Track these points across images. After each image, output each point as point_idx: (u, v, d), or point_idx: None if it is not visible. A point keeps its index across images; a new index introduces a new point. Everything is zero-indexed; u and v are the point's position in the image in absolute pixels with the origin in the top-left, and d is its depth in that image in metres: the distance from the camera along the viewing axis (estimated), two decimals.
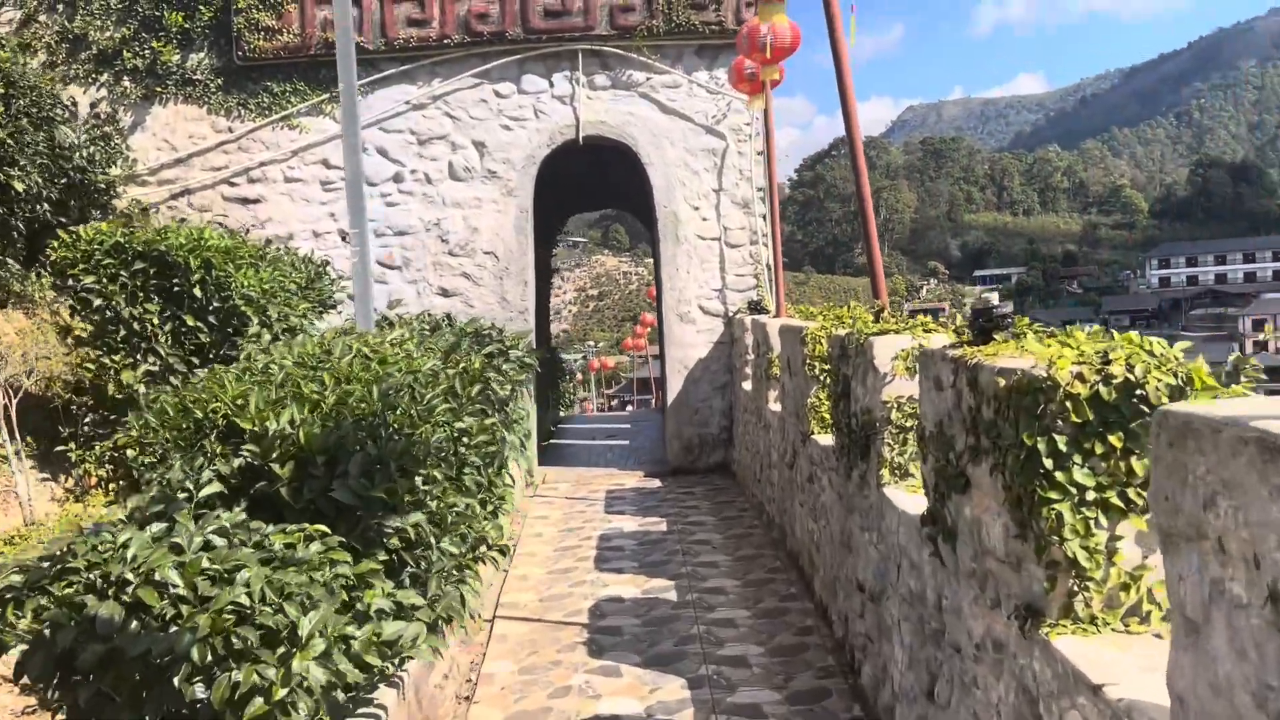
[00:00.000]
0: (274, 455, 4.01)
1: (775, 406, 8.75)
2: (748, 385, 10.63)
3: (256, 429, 4.12)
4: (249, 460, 4.03)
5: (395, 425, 4.40)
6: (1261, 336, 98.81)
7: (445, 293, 11.51)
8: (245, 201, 11.46)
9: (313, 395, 4.56)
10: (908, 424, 5.11)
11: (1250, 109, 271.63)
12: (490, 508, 5.86)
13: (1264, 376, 2.96)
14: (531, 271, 11.66)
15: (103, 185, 10.26)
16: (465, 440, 5.05)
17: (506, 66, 11.48)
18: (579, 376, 44.07)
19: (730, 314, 11.68)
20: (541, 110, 11.53)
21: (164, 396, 4.48)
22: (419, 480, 4.37)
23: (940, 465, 3.90)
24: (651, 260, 16.29)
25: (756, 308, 11.10)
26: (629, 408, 39.67)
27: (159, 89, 11.30)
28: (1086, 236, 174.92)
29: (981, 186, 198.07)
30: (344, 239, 10.76)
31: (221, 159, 11.43)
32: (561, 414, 19.84)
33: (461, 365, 6.16)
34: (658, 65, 11.51)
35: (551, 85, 11.54)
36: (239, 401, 4.34)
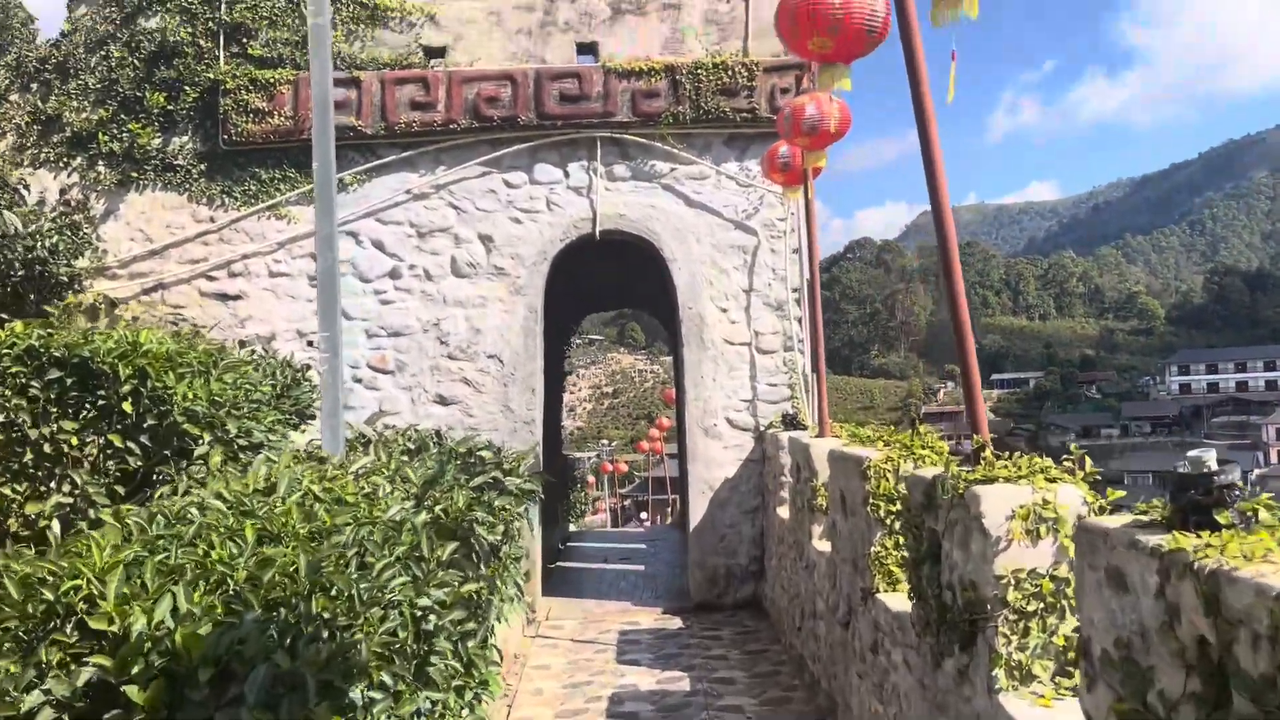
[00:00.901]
0: (135, 670, 2.72)
1: (822, 546, 7.39)
2: (784, 512, 9.28)
3: (115, 629, 2.83)
4: (98, 675, 2.73)
5: (325, 615, 3.11)
6: None
7: (443, 400, 10.29)
8: (224, 297, 10.37)
9: (219, 566, 3.29)
10: (1030, 607, 3.79)
11: (1263, 218, 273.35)
12: (470, 695, 4.51)
13: None
14: (540, 377, 10.46)
15: (65, 278, 9.21)
16: (434, 618, 3.76)
17: (518, 154, 10.49)
18: (591, 480, 42.59)
19: (762, 428, 10.40)
20: (555, 202, 10.49)
21: (4, 567, 3.21)
22: (356, 694, 3.07)
23: (1131, 711, 2.57)
24: (669, 358, 15.07)
25: (792, 422, 9.83)
26: (644, 515, 38.04)
27: (136, 174, 10.33)
28: (1104, 341, 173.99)
29: (997, 291, 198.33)
30: (310, 344, 9.62)
31: (200, 250, 10.39)
32: (572, 527, 18.42)
33: (440, 507, 4.88)
34: (683, 155, 10.50)
35: (567, 175, 10.53)
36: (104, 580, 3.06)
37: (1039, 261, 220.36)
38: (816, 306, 8.36)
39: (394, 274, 10.42)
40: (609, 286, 16.00)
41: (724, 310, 10.46)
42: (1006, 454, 4.36)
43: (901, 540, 5.53)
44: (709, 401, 10.39)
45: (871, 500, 5.67)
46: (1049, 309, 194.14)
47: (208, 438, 6.62)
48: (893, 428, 6.67)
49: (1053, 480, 3.95)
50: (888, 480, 5.64)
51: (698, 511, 10.36)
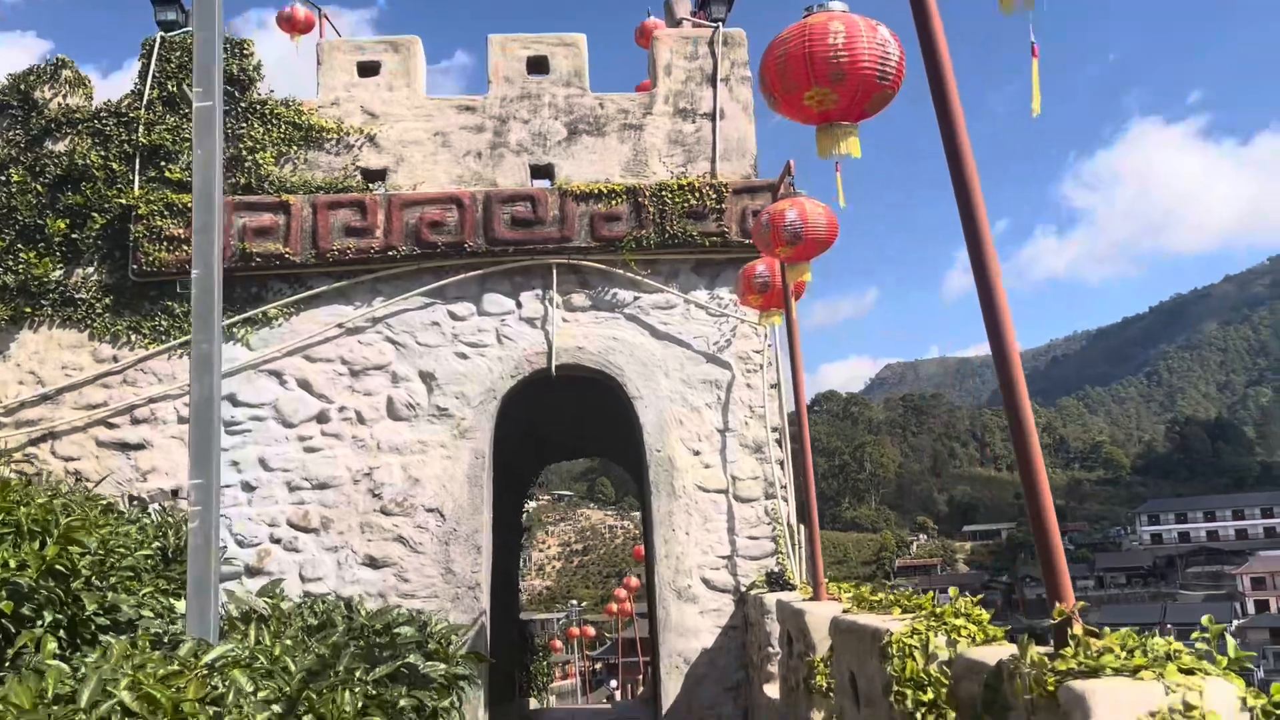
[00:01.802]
0: None
1: None
2: (772, 691, 7.84)
3: None
4: None
5: None
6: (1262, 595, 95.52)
7: (374, 563, 8.88)
8: (125, 447, 9.03)
9: None
10: None
11: (1217, 369, 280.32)
12: None
13: None
14: (487, 533, 9.11)
15: None
16: None
17: (465, 284, 9.47)
18: (558, 645, 40.22)
19: (743, 589, 9.05)
20: (506, 335, 9.41)
21: None
22: None
23: None
24: (639, 513, 13.78)
25: (778, 581, 8.50)
26: (614, 683, 35.59)
27: (30, 309, 9.15)
28: (1072, 491, 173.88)
29: (963, 442, 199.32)
30: (174, 494, 8.29)
31: (100, 394, 9.11)
32: (534, 703, 16.55)
33: (309, 717, 3.54)
34: (648, 283, 9.53)
35: (519, 305, 9.49)
36: None
37: (1002, 413, 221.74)
38: (806, 446, 7.20)
39: (321, 417, 9.17)
40: (570, 432, 14.79)
41: (696, 453, 9.27)
42: (1094, 630, 3.14)
43: None
44: (682, 559, 9.06)
45: (896, 688, 4.36)
46: (1016, 460, 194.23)
47: (50, 617, 5.25)
48: (910, 590, 5.40)
49: (1189, 672, 2.71)
50: (915, 660, 4.35)
51: (671, 690, 8.86)
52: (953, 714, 4.26)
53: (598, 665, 61.72)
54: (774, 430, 9.31)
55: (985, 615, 4.50)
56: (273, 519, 8.91)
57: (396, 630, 5.59)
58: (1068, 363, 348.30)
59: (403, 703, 4.31)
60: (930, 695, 4.30)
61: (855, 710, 5.01)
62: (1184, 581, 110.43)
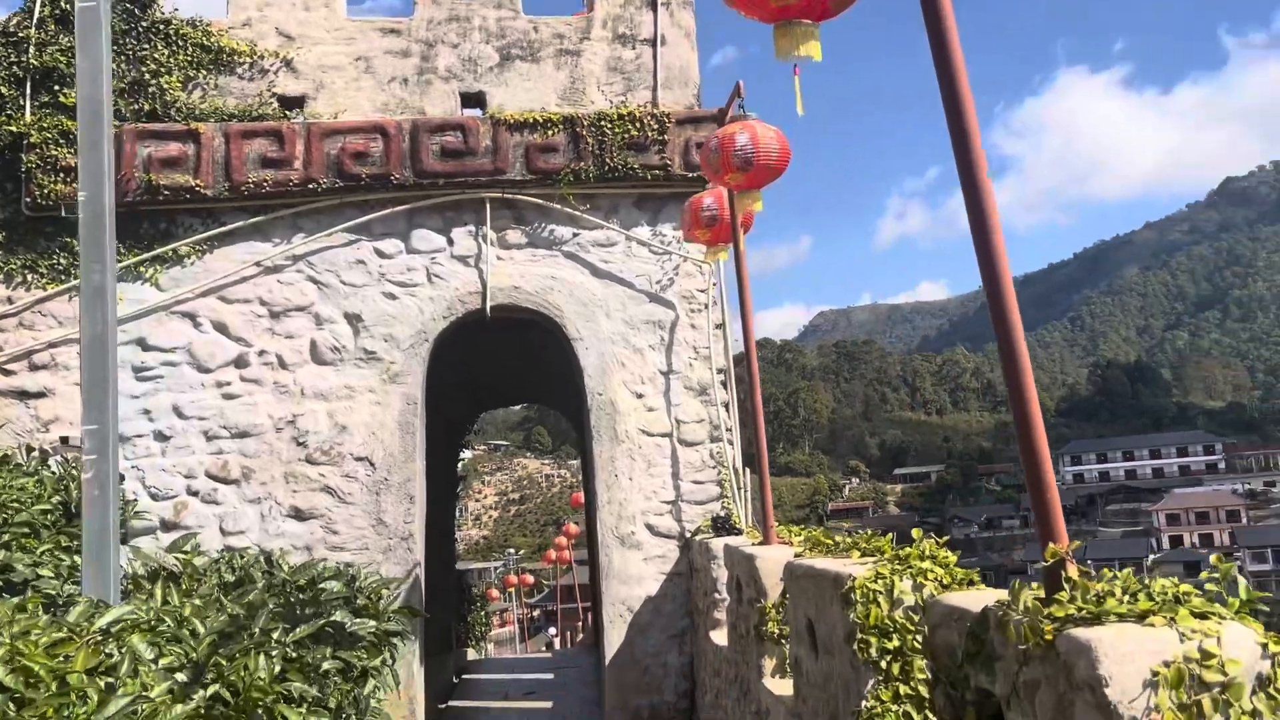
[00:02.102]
0: None
1: (777, 687, 5.75)
2: (719, 637, 7.62)
3: None
4: None
5: None
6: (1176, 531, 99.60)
7: (300, 514, 8.41)
8: (24, 395, 8.37)
9: None
10: None
11: (1137, 314, 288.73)
12: None
13: None
14: (420, 482, 8.69)
15: None
16: None
17: (392, 219, 8.91)
18: (495, 594, 40.04)
19: (688, 534, 8.79)
20: (437, 274, 8.90)
21: None
22: None
23: None
24: (577, 462, 13.46)
25: (724, 526, 8.24)
26: (552, 630, 35.56)
27: None
28: (999, 434, 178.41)
29: (894, 387, 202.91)
30: (64, 442, 7.73)
31: None
32: (471, 654, 16.28)
33: (223, 684, 3.13)
34: (587, 218, 9.08)
35: (451, 243, 8.97)
36: None
37: (933, 358, 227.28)
38: (755, 386, 6.89)
39: (240, 362, 8.61)
40: (508, 378, 14.35)
41: (639, 396, 8.92)
42: (1088, 571, 2.87)
43: (912, 693, 3.97)
44: (625, 505, 8.75)
45: (860, 636, 4.09)
46: (945, 404, 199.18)
47: None
48: (869, 531, 5.13)
49: (1203, 616, 2.44)
50: (879, 606, 4.09)
51: (614, 640, 8.60)
52: (920, 661, 4.01)
53: (536, 613, 61.80)
54: (719, 372, 9.00)
55: (952, 557, 4.25)
56: (189, 470, 8.37)
57: (322, 586, 5.17)
58: None
59: (326, 665, 3.91)
60: (896, 643, 4.06)
61: (813, 658, 4.76)
62: (1103, 519, 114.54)
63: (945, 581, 4.08)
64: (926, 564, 4.16)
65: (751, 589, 6.24)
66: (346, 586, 5.44)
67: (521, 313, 9.02)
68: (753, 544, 6.82)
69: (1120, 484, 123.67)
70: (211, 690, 3.06)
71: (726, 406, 8.98)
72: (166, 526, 8.23)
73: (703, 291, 9.11)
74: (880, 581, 4.11)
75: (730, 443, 8.88)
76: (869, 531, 5.10)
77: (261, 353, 8.62)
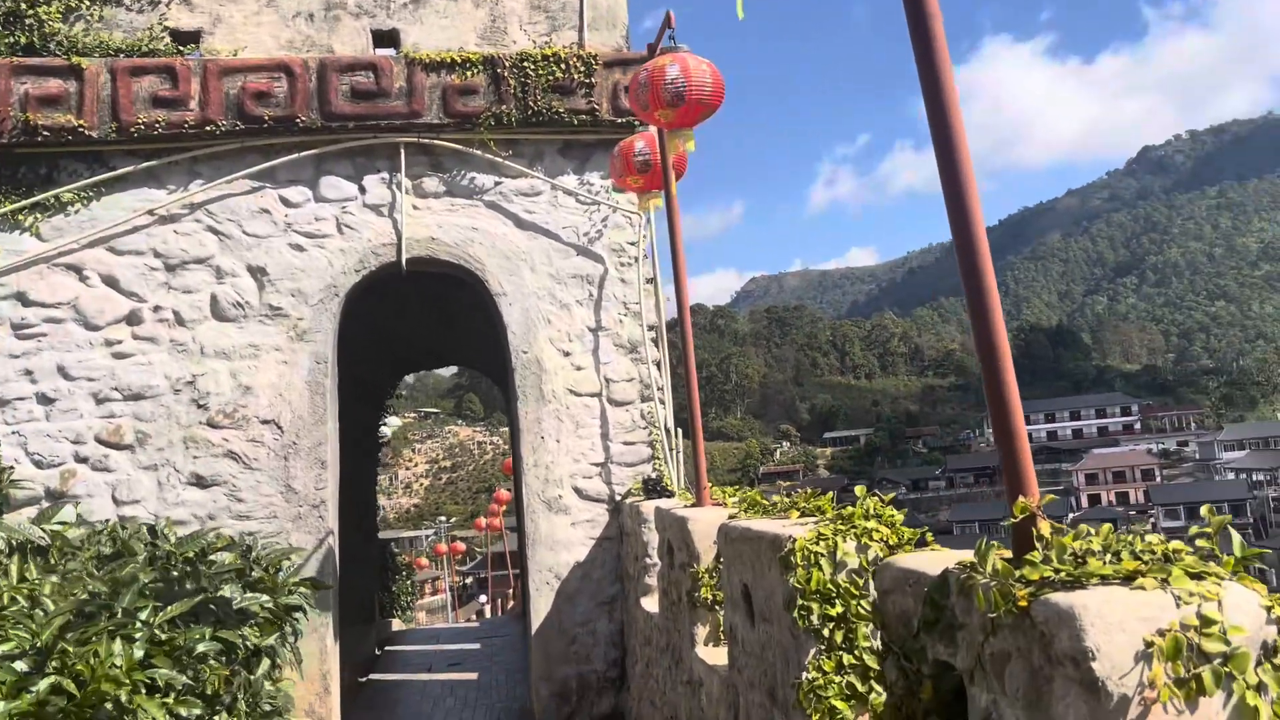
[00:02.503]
0: None
1: (711, 656, 5.42)
2: (650, 604, 7.29)
3: None
4: None
5: None
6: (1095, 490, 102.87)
7: (202, 482, 7.83)
8: None
9: None
10: None
11: (1058, 279, 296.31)
12: None
13: None
14: (333, 447, 8.16)
15: None
16: None
17: (298, 165, 8.29)
18: (425, 562, 39.52)
19: (618, 498, 8.43)
20: (348, 224, 8.32)
21: None
22: None
23: None
24: (508, 429, 13.03)
25: (655, 488, 7.89)
26: (483, 598, 35.15)
27: None
28: (926, 397, 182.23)
29: (825, 352, 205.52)
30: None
31: None
32: (397, 624, 15.80)
33: (65, 675, 2.66)
34: (510, 166, 8.57)
35: (363, 191, 8.39)
36: None
37: (862, 323, 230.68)
38: (688, 343, 6.51)
39: (132, 319, 7.95)
40: (430, 338, 13.79)
41: (567, 354, 8.49)
42: (1061, 528, 2.55)
43: (857, 663, 3.66)
44: (552, 468, 8.34)
45: (801, 602, 3.76)
46: (874, 368, 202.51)
47: None
48: (808, 490, 4.80)
49: (1198, 577, 2.11)
50: (821, 570, 3.76)
51: (541, 608, 8.22)
52: (865, 629, 3.70)
53: (468, 580, 61.33)
54: (650, 329, 8.60)
55: (898, 516, 3.93)
56: (78, 435, 7.72)
57: (213, 558, 4.68)
58: (923, 274, 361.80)
59: (202, 647, 3.45)
60: (839, 608, 3.73)
61: (749, 626, 4.42)
62: None
63: (892, 542, 3.77)
64: (871, 523, 3.85)
65: (683, 553, 5.90)
66: (241, 558, 4.95)
67: (440, 266, 8.49)
68: (685, 506, 6.48)
69: (1042, 445, 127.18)
70: (48, 681, 2.58)
71: (658, 364, 8.60)
72: (52, 496, 7.59)
73: (633, 244, 8.69)
74: (822, 543, 3.78)
75: (662, 402, 8.51)
76: (808, 490, 4.78)
77: (156, 309, 7.98)
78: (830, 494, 4.67)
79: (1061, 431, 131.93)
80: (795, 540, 3.79)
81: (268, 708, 4.35)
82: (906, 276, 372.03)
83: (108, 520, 7.51)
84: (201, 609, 3.87)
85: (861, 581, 3.73)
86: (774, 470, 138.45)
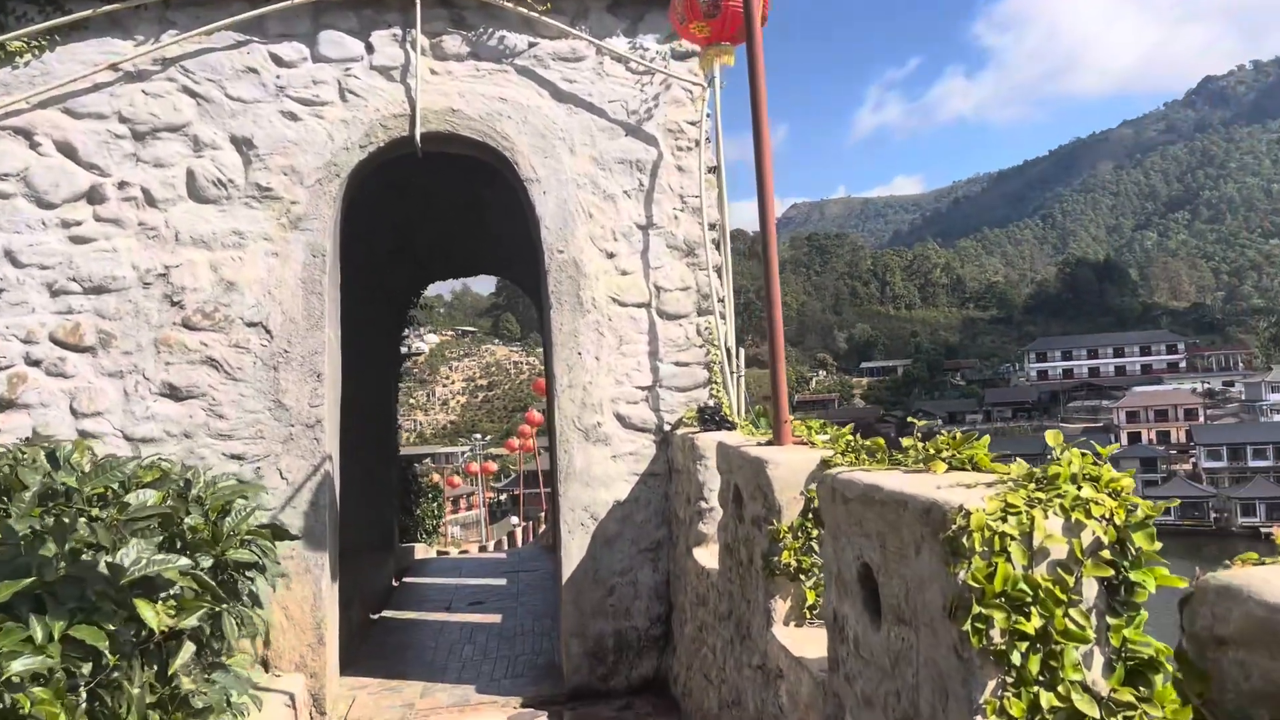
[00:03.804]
0: None
1: (794, 643, 4.12)
2: (705, 557, 6.02)
3: None
4: None
5: None
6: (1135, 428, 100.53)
7: (175, 393, 6.60)
8: None
9: None
10: None
11: (1108, 212, 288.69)
12: None
13: None
14: (331, 357, 6.88)
15: None
16: None
17: (293, 14, 6.86)
18: (457, 480, 39.01)
19: (667, 427, 7.11)
20: (353, 90, 6.91)
21: None
22: None
23: None
24: (542, 345, 11.79)
25: (713, 418, 6.55)
26: (515, 520, 34.44)
27: None
28: (966, 329, 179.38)
29: (865, 281, 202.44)
30: None
31: None
32: (419, 551, 14.77)
33: None
34: (548, 23, 7.07)
35: (370, 50, 6.96)
36: None
37: (904, 253, 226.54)
38: (771, 239, 5.09)
39: (94, 196, 6.65)
40: (458, 242, 12.44)
41: (610, 256, 7.10)
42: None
43: (1064, 707, 2.32)
44: (590, 390, 7.02)
45: (978, 609, 2.41)
46: (914, 298, 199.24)
47: None
48: (952, 432, 3.41)
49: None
50: (1010, 561, 2.39)
51: (574, 553, 6.97)
52: (1075, 653, 2.37)
53: (502, 496, 61.23)
54: (711, 227, 7.17)
55: (1126, 481, 2.53)
56: (29, 333, 6.50)
57: (131, 498, 3.41)
58: (968, 204, 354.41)
59: (17, 666, 2.17)
60: (1037, 620, 2.36)
61: (870, 624, 3.08)
62: (1065, 415, 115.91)
63: (1120, 520, 2.41)
64: (1087, 490, 2.46)
65: (758, 504, 4.57)
66: (178, 497, 3.68)
67: (461, 144, 7.08)
68: (758, 443, 5.13)
69: (1084, 381, 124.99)
70: None
71: (719, 271, 7.19)
72: None
73: (693, 124, 7.20)
74: (1012, 519, 2.41)
75: (723, 316, 7.12)
76: (950, 433, 3.39)
77: (122, 185, 6.66)
78: (985, 439, 3.30)
79: (1104, 368, 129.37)
80: (968, 513, 2.42)
81: (199, 705, 3.14)
82: (951, 206, 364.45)
83: (86, 437, 6.34)
84: (68, 584, 2.64)
85: (1071, 580, 2.37)
86: (809, 399, 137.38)
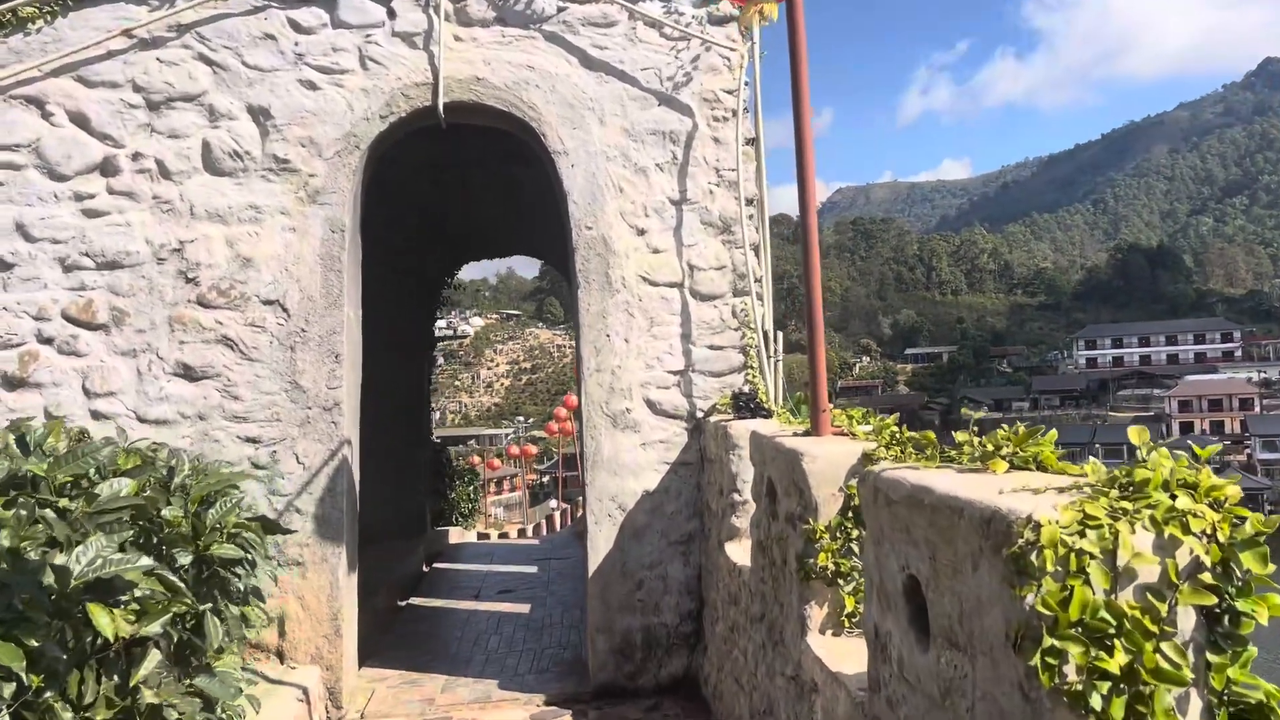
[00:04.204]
0: None
1: (831, 654, 3.76)
2: (737, 552, 5.68)
3: None
4: None
5: None
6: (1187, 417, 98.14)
7: (190, 373, 6.37)
8: None
9: None
10: None
11: (1162, 198, 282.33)
12: None
13: None
14: (351, 337, 6.61)
15: None
16: None
17: None
18: (496, 463, 39.06)
19: (700, 414, 6.75)
20: (373, 58, 6.60)
21: None
22: None
23: None
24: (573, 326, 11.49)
25: (749, 404, 6.19)
26: (553, 503, 34.30)
27: None
28: (1014, 316, 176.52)
29: (910, 266, 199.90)
30: None
31: None
32: (454, 536, 14.57)
33: None
34: None
35: (392, 15, 6.64)
36: None
37: (951, 238, 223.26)
38: (810, 210, 4.70)
39: (107, 168, 6.42)
40: (492, 223, 12.15)
41: (641, 232, 6.74)
42: None
43: None
44: (619, 374, 6.68)
45: (1050, 641, 2.03)
46: (961, 284, 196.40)
47: None
48: (1013, 427, 3.00)
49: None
50: (1089, 584, 2.00)
51: (600, 545, 6.65)
52: (1167, 696, 1.97)
53: (544, 479, 61.46)
54: (749, 203, 6.78)
55: (1231, 490, 2.13)
56: (40, 309, 6.29)
57: (101, 489, 3.12)
58: (1018, 189, 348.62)
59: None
60: (1123, 656, 1.96)
61: (917, 645, 2.72)
62: (1114, 404, 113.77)
63: (1225, 536, 2.01)
64: (1183, 500, 2.06)
65: (793, 500, 4.20)
66: (159, 487, 3.40)
67: (486, 115, 6.74)
68: (795, 433, 4.77)
69: (1134, 369, 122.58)
70: None
71: (756, 250, 6.80)
72: (10, 383, 6.21)
73: (731, 93, 6.80)
74: (1092, 533, 2.01)
75: (760, 298, 6.73)
76: (1013, 427, 2.99)
77: (136, 156, 6.42)
78: (1052, 434, 2.92)
79: (1156, 356, 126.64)
80: (1038, 525, 2.03)
81: (173, 717, 2.86)
82: (1000, 191, 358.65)
83: (101, 419, 6.14)
84: None
85: (1164, 608, 1.99)
86: (851, 385, 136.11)
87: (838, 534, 3.97)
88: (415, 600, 9.77)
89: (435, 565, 11.79)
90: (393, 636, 8.29)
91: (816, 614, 4.04)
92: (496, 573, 11.05)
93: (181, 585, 2.87)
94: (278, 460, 6.30)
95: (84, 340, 6.31)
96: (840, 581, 3.99)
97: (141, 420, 6.28)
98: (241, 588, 3.52)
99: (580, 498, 27.91)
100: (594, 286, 6.67)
